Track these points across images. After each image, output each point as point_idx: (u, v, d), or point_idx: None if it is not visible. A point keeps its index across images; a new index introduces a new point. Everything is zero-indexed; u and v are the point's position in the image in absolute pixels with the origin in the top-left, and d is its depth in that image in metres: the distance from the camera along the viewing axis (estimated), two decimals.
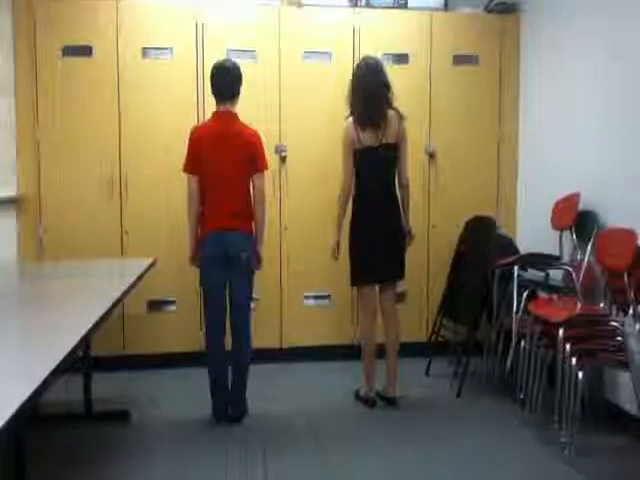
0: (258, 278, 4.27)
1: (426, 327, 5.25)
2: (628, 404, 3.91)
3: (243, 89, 4.11)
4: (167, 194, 4.89)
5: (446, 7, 5.36)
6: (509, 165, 5.43)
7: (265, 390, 4.47)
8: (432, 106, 5.29)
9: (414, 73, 5.24)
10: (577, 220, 4.37)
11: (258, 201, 4.08)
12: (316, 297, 5.21)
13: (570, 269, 4.30)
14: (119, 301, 3.14)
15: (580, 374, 3.59)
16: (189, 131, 4.13)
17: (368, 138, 4.18)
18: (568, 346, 3.65)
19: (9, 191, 4.79)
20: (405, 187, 4.34)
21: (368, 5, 5.24)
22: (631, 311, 3.74)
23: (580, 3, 4.58)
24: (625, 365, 3.65)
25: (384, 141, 4.20)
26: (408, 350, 5.12)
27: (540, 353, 4.01)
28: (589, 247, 4.25)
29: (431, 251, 5.32)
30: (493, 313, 4.63)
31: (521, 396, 4.21)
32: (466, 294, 4.81)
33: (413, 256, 5.03)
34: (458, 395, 4.53)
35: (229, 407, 4.11)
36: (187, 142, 4.05)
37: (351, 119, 4.22)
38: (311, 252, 5.08)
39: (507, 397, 4.41)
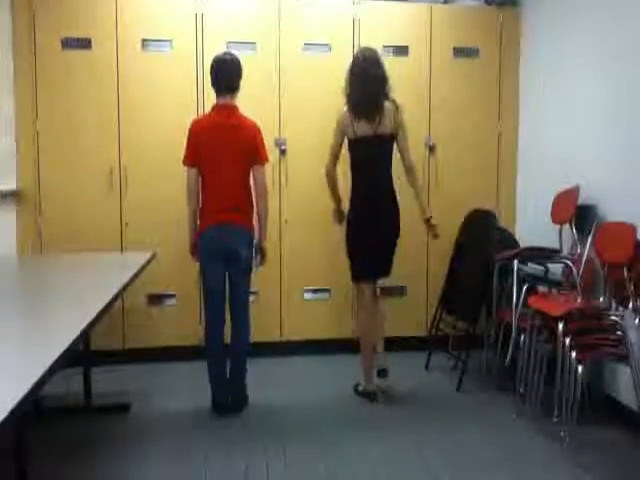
0: (256, 275, 4.26)
1: (425, 321, 5.25)
2: (628, 398, 3.91)
3: (242, 81, 4.11)
4: (167, 186, 4.88)
5: None
6: (509, 158, 5.42)
7: (265, 383, 4.48)
8: (432, 99, 5.28)
9: (414, 65, 5.23)
10: (577, 214, 4.36)
11: (260, 194, 4.09)
12: (316, 291, 5.21)
13: (570, 263, 4.29)
14: (119, 295, 3.13)
15: (580, 368, 3.59)
16: (189, 123, 4.13)
17: (363, 128, 4.19)
18: (568, 340, 3.65)
19: (9, 184, 4.79)
20: (411, 170, 4.34)
21: None
22: (631, 305, 3.75)
23: None
24: (625, 359, 3.66)
25: (379, 132, 4.20)
26: (407, 344, 5.16)
27: (540, 347, 4.01)
28: (589, 241, 4.25)
29: (430, 245, 5.31)
30: (493, 307, 4.62)
31: (521, 390, 4.21)
32: (466, 288, 4.81)
33: (412, 250, 5.05)
34: (458, 389, 4.54)
35: (229, 398, 4.12)
36: (187, 134, 4.04)
37: (346, 108, 4.24)
38: (311, 246, 5.08)
39: (507, 391, 4.42)
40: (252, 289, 4.27)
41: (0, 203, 4.78)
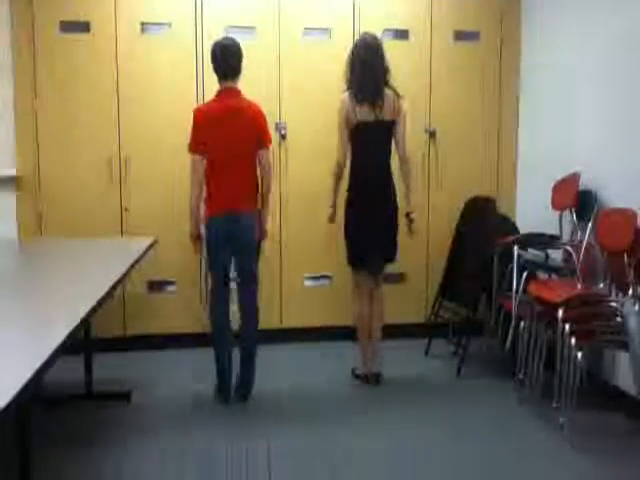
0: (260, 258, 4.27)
1: (425, 308, 5.25)
2: (627, 384, 3.92)
3: (242, 66, 4.08)
4: (167, 172, 4.87)
5: None
6: (509, 144, 5.40)
7: (265, 370, 4.47)
8: (432, 83, 5.25)
9: (414, 50, 5.20)
10: (577, 200, 4.35)
11: (266, 176, 4.12)
12: (316, 278, 5.21)
13: (570, 249, 4.29)
14: (119, 282, 3.13)
15: (579, 354, 3.60)
16: (189, 107, 4.12)
17: (364, 113, 4.18)
18: (567, 326, 3.65)
19: (8, 169, 4.77)
20: (406, 161, 4.33)
21: None
22: (630, 292, 3.75)
23: None
24: (624, 345, 3.66)
25: (380, 117, 4.19)
26: (407, 331, 5.17)
27: (540, 333, 4.02)
28: (589, 227, 4.25)
29: (431, 231, 5.31)
30: (493, 293, 4.63)
31: (520, 376, 4.22)
32: (466, 274, 4.81)
33: (413, 237, 5.03)
34: (458, 375, 4.55)
35: (237, 386, 4.12)
36: (192, 121, 4.02)
37: (347, 93, 4.22)
38: (312, 233, 5.07)
39: (506, 377, 4.43)
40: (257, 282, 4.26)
41: (0, 188, 4.76)
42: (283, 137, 5.06)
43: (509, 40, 5.34)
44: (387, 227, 4.32)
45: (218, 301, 4.14)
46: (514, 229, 5.01)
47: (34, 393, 3.78)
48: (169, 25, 4.90)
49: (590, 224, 4.24)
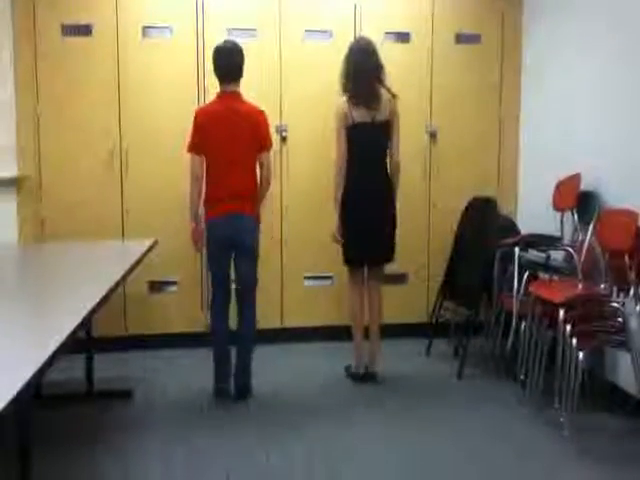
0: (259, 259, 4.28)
1: (426, 308, 5.25)
2: (628, 384, 3.91)
3: (243, 69, 4.09)
4: (168, 173, 4.88)
5: None
6: (510, 145, 5.40)
7: (266, 370, 4.49)
8: (433, 85, 5.25)
9: (415, 52, 5.21)
10: (578, 201, 4.35)
11: (266, 179, 4.14)
12: (317, 278, 5.22)
13: (571, 250, 4.29)
14: (120, 282, 3.14)
15: (580, 355, 3.59)
16: (190, 110, 4.13)
17: (361, 116, 4.21)
18: (569, 327, 3.65)
19: (10, 171, 4.78)
20: (396, 164, 4.35)
21: None
22: (632, 292, 3.75)
23: None
24: (625, 345, 3.66)
25: (376, 119, 4.22)
26: (408, 331, 5.17)
27: (541, 334, 4.02)
28: (590, 228, 4.24)
29: (432, 232, 5.31)
30: (494, 294, 4.63)
31: (521, 376, 4.22)
32: (467, 275, 4.81)
33: (414, 237, 5.06)
34: (458, 375, 4.55)
35: (235, 385, 4.14)
36: (192, 122, 4.04)
37: (344, 98, 4.24)
38: (312, 233, 5.07)
39: (507, 377, 4.43)
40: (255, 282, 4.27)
41: (1, 190, 4.77)
42: (284, 139, 5.07)
43: (510, 42, 5.34)
44: (384, 227, 4.33)
45: (218, 303, 4.16)
46: (515, 230, 5.01)
47: (35, 392, 3.81)
48: (170, 28, 4.92)
49: (591, 225, 4.24)
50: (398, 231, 4.40)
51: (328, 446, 3.53)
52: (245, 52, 4.11)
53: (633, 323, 3.67)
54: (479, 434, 3.70)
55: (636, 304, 3.71)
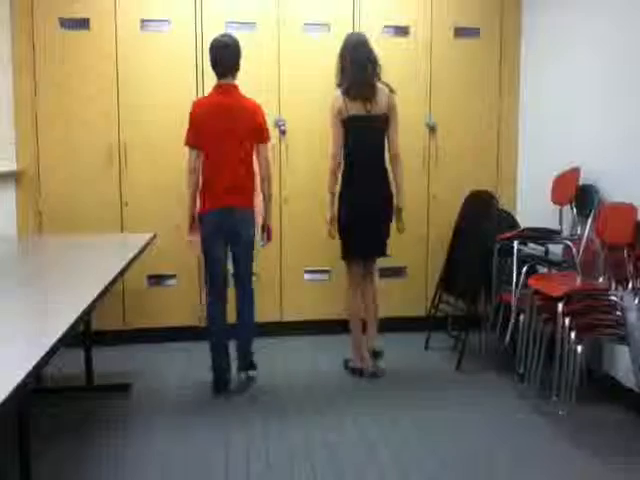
0: (258, 252, 4.28)
1: (425, 302, 5.26)
2: (626, 378, 3.93)
3: (242, 62, 4.10)
4: (167, 166, 4.88)
5: None
6: (509, 139, 5.40)
7: (265, 363, 4.49)
8: (432, 79, 5.25)
9: (414, 46, 5.19)
10: (577, 195, 4.36)
11: (264, 173, 4.14)
12: (316, 272, 5.22)
13: (570, 244, 4.30)
14: (119, 276, 3.14)
15: (579, 348, 3.60)
16: (189, 104, 4.12)
17: (356, 109, 4.21)
18: (567, 320, 3.66)
19: (8, 165, 4.78)
20: (395, 157, 4.35)
21: None
22: (630, 285, 3.76)
23: None
24: (624, 339, 3.67)
25: (373, 112, 4.22)
26: (407, 324, 5.18)
27: (539, 327, 4.02)
28: (589, 222, 4.25)
29: (431, 226, 5.31)
30: (492, 287, 4.63)
31: (520, 370, 4.23)
32: (466, 269, 4.81)
33: (413, 231, 5.04)
34: (457, 369, 4.56)
35: (239, 364, 4.21)
36: (189, 115, 4.04)
37: (339, 91, 4.24)
38: (311, 227, 5.07)
39: (506, 371, 4.44)
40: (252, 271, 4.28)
41: (0, 183, 4.77)
42: (283, 133, 5.06)
43: (509, 36, 5.33)
44: (381, 221, 4.34)
45: (215, 297, 4.16)
46: (514, 223, 5.01)
47: (35, 385, 3.81)
48: (169, 21, 4.90)
49: (590, 218, 4.25)
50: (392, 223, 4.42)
51: (328, 438, 3.54)
52: (244, 45, 4.11)
53: (631, 317, 3.68)
54: (477, 427, 3.71)
55: (634, 298, 3.72)
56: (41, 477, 3.00)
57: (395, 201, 4.39)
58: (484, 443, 3.52)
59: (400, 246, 4.63)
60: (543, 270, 4.62)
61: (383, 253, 4.43)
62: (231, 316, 4.23)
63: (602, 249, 4.05)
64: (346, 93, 4.21)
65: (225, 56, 4.03)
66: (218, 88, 4.07)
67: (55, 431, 3.58)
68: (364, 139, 4.27)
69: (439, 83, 5.25)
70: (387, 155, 4.35)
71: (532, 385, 4.07)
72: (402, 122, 4.38)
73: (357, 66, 4.20)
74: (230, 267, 4.18)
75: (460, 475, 3.20)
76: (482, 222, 4.78)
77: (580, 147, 4.50)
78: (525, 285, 4.24)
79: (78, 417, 3.79)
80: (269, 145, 4.20)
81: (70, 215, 4.84)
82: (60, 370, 4.20)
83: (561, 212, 4.53)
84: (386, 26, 5.11)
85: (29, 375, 1.79)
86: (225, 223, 4.02)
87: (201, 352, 4.39)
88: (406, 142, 4.59)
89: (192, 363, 4.59)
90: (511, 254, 4.39)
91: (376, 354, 4.47)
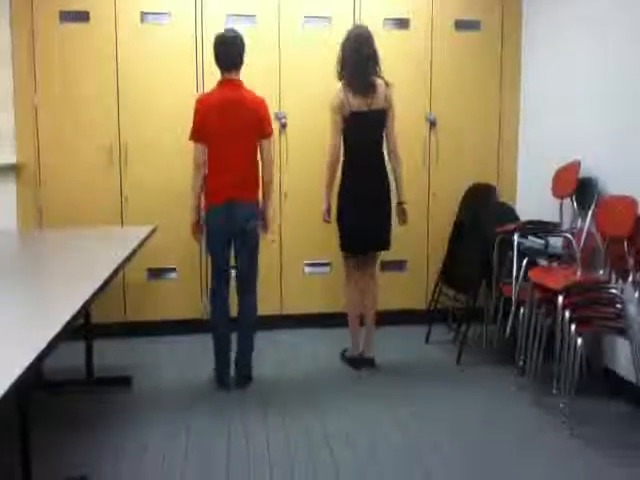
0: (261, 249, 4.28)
1: (426, 294, 5.26)
2: (626, 371, 3.93)
3: (244, 58, 4.09)
4: (167, 160, 4.89)
5: None
6: (510, 132, 5.39)
7: (265, 356, 4.50)
8: (433, 72, 5.23)
9: (415, 39, 5.19)
10: (578, 188, 4.35)
11: (267, 166, 4.14)
12: (316, 264, 5.22)
13: (570, 236, 4.29)
14: (120, 269, 3.14)
15: (579, 341, 3.60)
16: (189, 95, 4.14)
17: (357, 104, 4.20)
18: (567, 313, 3.66)
19: (8, 158, 4.77)
20: (394, 153, 4.35)
21: None
22: (630, 278, 3.76)
23: None
24: (624, 332, 3.67)
25: (373, 107, 4.22)
26: (408, 318, 5.18)
27: (539, 320, 4.03)
28: (589, 214, 4.25)
29: (431, 219, 5.31)
30: (493, 280, 4.63)
31: (520, 362, 4.23)
32: (466, 262, 4.81)
33: (413, 224, 5.04)
34: (457, 361, 4.56)
35: (236, 372, 4.17)
36: (193, 110, 4.04)
37: (340, 85, 4.24)
38: (311, 219, 5.06)
39: (506, 364, 4.44)
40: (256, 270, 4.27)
41: (0, 177, 4.77)
42: (283, 126, 5.06)
43: (510, 28, 5.31)
44: (381, 215, 4.34)
45: (218, 290, 4.17)
46: (514, 216, 5.01)
47: (35, 379, 3.81)
48: (169, 14, 4.89)
49: (590, 211, 4.24)
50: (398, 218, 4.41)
51: (328, 430, 3.55)
52: (244, 38, 4.10)
53: (632, 309, 3.68)
54: (478, 419, 3.72)
55: (635, 290, 3.72)
56: (41, 471, 3.00)
57: (396, 196, 4.39)
58: (484, 435, 3.53)
59: (401, 240, 4.63)
60: (543, 263, 4.61)
61: (382, 247, 4.43)
62: (233, 312, 4.23)
63: (602, 242, 4.05)
64: (347, 88, 4.20)
65: (229, 51, 4.04)
66: (222, 83, 4.07)
67: (56, 425, 3.58)
68: (364, 134, 4.27)
69: (439, 76, 5.24)
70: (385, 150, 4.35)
71: (532, 378, 4.07)
72: (402, 116, 4.38)
73: (357, 62, 4.20)
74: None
75: (459, 467, 3.21)
76: (482, 215, 4.78)
77: (580, 140, 4.49)
78: (525, 278, 4.23)
79: (78, 410, 3.80)
80: (272, 139, 4.19)
81: (70, 209, 4.84)
82: (60, 363, 4.21)
83: (561, 205, 4.53)
84: (387, 19, 5.10)
85: (29, 368, 1.79)
86: (230, 217, 4.02)
87: (202, 345, 4.39)
88: (406, 135, 4.59)
89: (193, 356, 4.59)
90: (511, 247, 4.38)
91: (368, 362, 4.46)
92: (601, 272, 4.03)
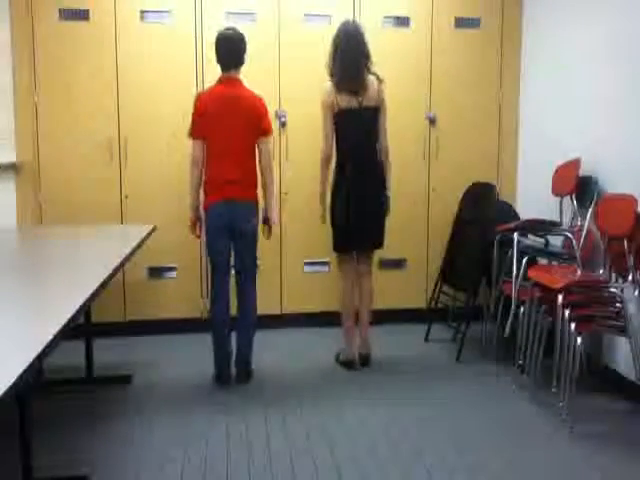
0: (258, 244, 4.28)
1: (425, 293, 5.27)
2: (626, 370, 3.93)
3: (245, 57, 4.09)
4: (167, 158, 4.89)
5: None
6: (509, 130, 5.39)
7: (265, 355, 4.50)
8: (433, 70, 5.23)
9: (415, 37, 5.18)
10: (577, 186, 4.35)
11: (266, 165, 4.13)
12: (316, 263, 5.22)
13: (570, 235, 4.29)
14: (120, 267, 3.14)
15: (579, 340, 3.60)
16: (189, 93, 4.13)
17: (347, 101, 4.19)
18: (567, 312, 3.66)
19: (8, 156, 4.77)
20: (385, 149, 4.34)
21: None
22: (630, 277, 3.76)
23: None
24: (623, 331, 3.67)
25: (364, 104, 4.21)
26: (407, 316, 5.19)
27: (539, 319, 4.03)
28: (589, 213, 4.25)
29: (431, 217, 5.31)
30: (492, 279, 4.63)
31: (520, 361, 4.23)
32: (466, 260, 4.81)
33: (413, 223, 5.06)
34: (457, 360, 4.56)
35: (236, 370, 4.18)
36: (193, 107, 4.04)
37: (329, 82, 4.23)
38: (311, 219, 5.06)
39: (506, 362, 4.44)
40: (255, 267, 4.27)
41: (0, 175, 4.76)
42: (283, 125, 5.05)
43: (510, 26, 5.31)
44: (375, 213, 4.33)
45: (218, 289, 4.16)
46: (514, 215, 5.02)
47: (35, 377, 3.81)
48: (169, 12, 4.89)
49: (590, 210, 4.24)
50: (397, 217, 4.40)
51: (328, 427, 3.56)
52: (245, 38, 4.09)
53: (631, 308, 3.69)
54: (478, 418, 3.72)
55: (634, 290, 3.72)
56: (42, 469, 3.00)
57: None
58: (484, 433, 3.53)
59: (400, 238, 4.63)
60: (543, 262, 4.62)
61: (377, 245, 4.42)
62: (233, 310, 4.23)
63: (602, 240, 4.05)
64: (336, 84, 4.19)
65: (229, 49, 4.04)
66: (222, 81, 4.07)
67: (56, 423, 3.58)
68: (356, 132, 4.25)
69: (439, 74, 5.24)
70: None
71: (532, 376, 4.08)
72: (402, 114, 4.39)
73: (348, 59, 4.18)
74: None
75: (459, 465, 3.21)
76: (482, 214, 4.78)
77: (580, 138, 4.49)
78: (525, 277, 4.23)
79: (78, 409, 3.80)
80: (271, 138, 4.19)
81: (70, 207, 4.84)
82: (60, 362, 4.21)
83: (561, 203, 4.53)
84: (386, 16, 5.10)
85: (30, 367, 1.79)
86: (228, 215, 4.02)
87: (201, 344, 4.39)
88: (406, 133, 4.59)
89: (192, 355, 4.59)
90: (511, 246, 4.39)
91: (364, 358, 4.46)
92: (601, 271, 4.03)
